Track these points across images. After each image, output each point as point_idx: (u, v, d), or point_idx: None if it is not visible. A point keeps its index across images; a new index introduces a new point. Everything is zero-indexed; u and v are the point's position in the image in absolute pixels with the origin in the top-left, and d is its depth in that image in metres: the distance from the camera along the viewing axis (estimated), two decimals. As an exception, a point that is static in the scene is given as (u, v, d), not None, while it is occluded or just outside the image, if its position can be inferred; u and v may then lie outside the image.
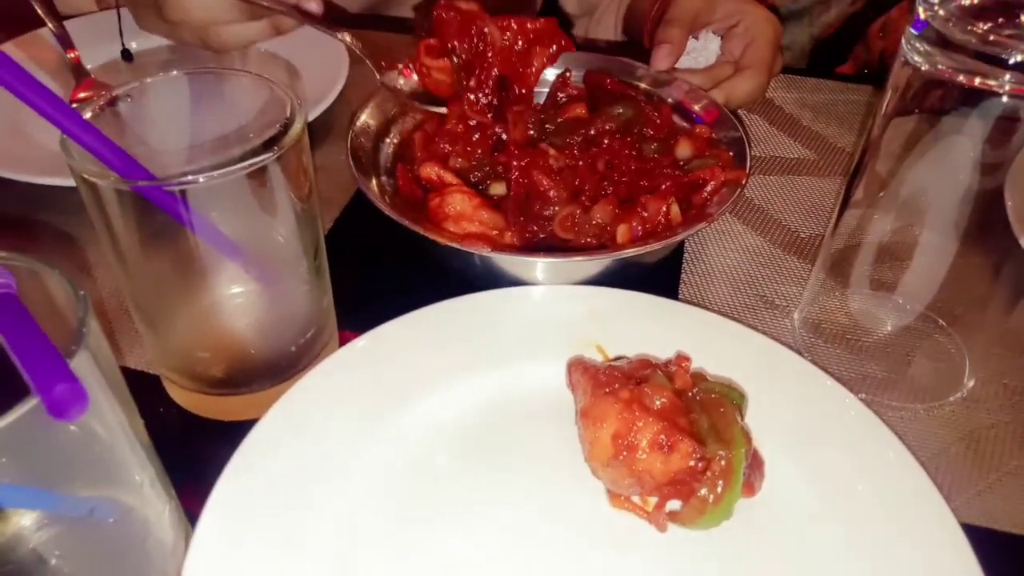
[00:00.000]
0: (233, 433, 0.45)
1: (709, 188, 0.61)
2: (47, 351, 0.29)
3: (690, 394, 0.46)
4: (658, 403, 0.44)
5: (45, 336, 0.30)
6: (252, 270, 0.47)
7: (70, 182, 0.42)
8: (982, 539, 0.42)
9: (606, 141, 0.62)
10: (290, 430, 0.46)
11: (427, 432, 0.48)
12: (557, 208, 0.58)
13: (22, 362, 0.29)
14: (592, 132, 0.63)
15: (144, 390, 0.53)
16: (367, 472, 0.46)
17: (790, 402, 0.49)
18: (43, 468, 0.33)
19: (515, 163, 0.59)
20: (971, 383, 0.56)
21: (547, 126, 0.65)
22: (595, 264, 0.57)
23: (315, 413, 0.47)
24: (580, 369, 0.48)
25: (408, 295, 0.54)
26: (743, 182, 0.60)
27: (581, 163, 0.60)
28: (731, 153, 0.64)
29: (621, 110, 0.65)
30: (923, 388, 0.55)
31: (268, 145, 0.42)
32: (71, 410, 0.28)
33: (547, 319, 0.54)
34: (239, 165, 0.40)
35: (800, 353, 0.53)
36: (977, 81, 0.43)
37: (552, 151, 0.60)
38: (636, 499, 0.45)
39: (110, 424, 0.34)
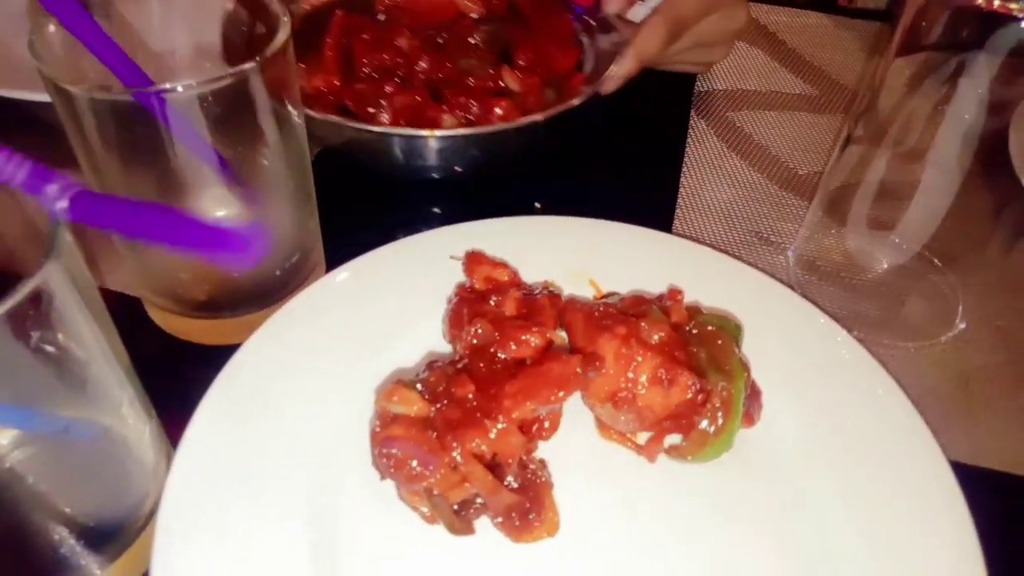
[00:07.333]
0: (216, 357, 0.44)
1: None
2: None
3: (687, 327, 0.45)
4: (656, 338, 0.43)
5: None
6: (236, 189, 0.45)
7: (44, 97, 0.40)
8: (968, 476, 0.42)
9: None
10: (274, 355, 0.45)
11: (415, 359, 0.47)
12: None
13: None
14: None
15: (124, 313, 0.52)
16: (353, 399, 0.45)
17: (783, 337, 0.49)
18: (17, 384, 0.32)
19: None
20: (963, 324, 0.55)
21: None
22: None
23: (301, 338, 0.46)
24: (573, 307, 0.47)
25: (397, 222, 0.53)
26: None
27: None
28: None
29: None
30: (915, 327, 0.55)
31: (250, 55, 0.40)
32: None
33: (539, 250, 0.53)
34: (216, 75, 0.38)
35: (793, 290, 0.52)
36: (996, 3, 0.42)
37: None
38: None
39: (85, 340, 0.33)
